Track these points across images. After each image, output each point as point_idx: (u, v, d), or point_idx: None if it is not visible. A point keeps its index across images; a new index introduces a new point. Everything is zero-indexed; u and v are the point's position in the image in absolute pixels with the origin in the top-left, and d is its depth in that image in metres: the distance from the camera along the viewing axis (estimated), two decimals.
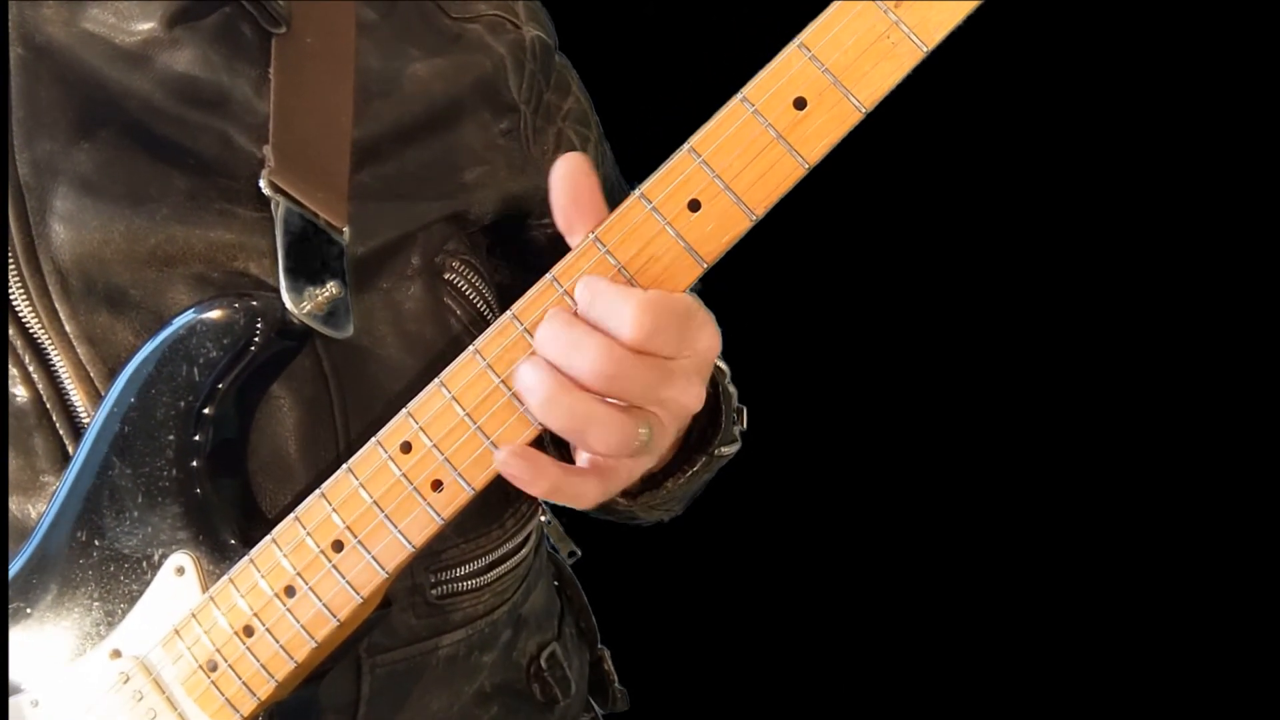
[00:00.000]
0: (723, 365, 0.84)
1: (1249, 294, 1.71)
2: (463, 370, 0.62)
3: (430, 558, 0.78)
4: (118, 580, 0.68)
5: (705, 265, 0.60)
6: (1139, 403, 1.77)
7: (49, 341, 0.69)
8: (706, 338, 0.60)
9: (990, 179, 1.73)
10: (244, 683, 0.66)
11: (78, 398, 0.70)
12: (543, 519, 0.92)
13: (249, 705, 0.67)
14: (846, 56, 0.57)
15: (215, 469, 0.69)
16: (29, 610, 0.68)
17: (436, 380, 0.63)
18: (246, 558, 0.67)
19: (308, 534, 0.65)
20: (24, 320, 0.70)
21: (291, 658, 0.66)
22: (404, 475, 0.63)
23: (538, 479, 0.59)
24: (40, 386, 0.70)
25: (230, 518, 0.69)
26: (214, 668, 0.67)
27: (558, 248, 0.62)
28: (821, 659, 1.86)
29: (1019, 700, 1.83)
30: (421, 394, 0.63)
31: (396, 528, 0.64)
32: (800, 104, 0.58)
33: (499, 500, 0.82)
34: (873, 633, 1.86)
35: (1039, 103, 1.68)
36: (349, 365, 0.73)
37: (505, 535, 0.82)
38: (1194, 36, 1.61)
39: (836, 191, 1.30)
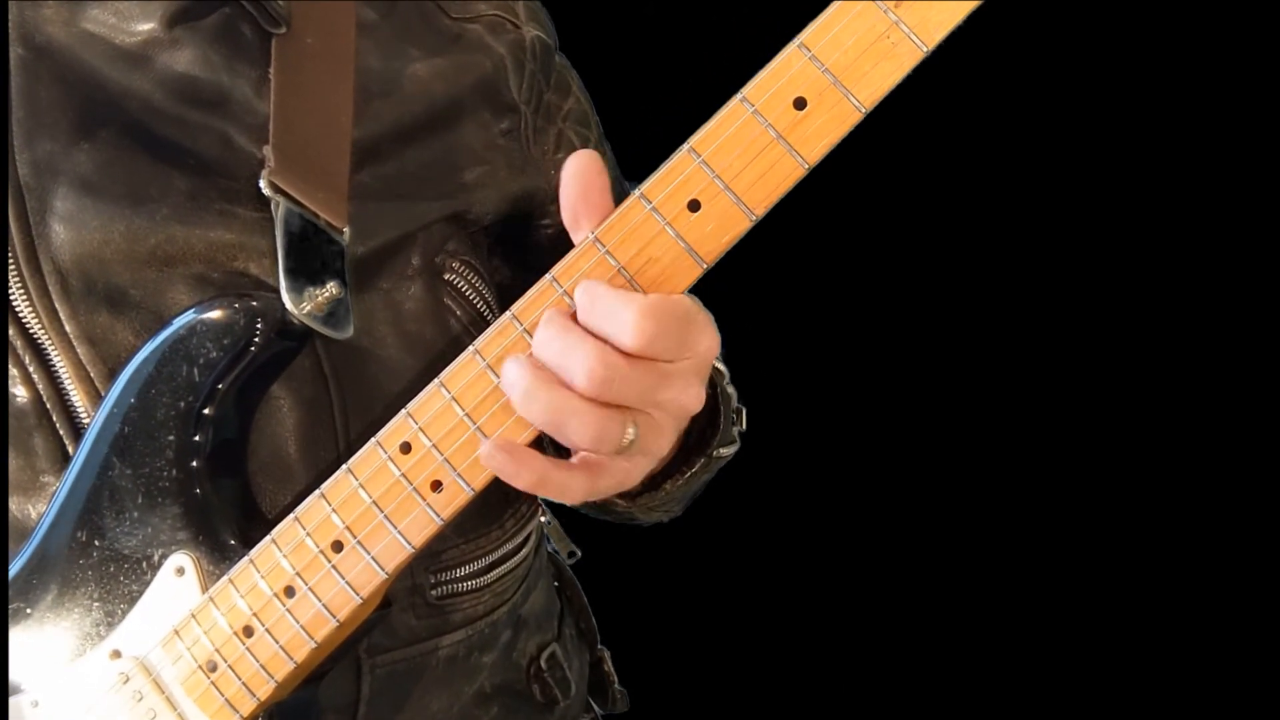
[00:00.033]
0: (721, 366, 0.84)
1: (1249, 294, 1.71)
2: (462, 370, 0.62)
3: (430, 558, 0.78)
4: (117, 580, 0.68)
5: (705, 265, 0.59)
6: (1139, 402, 1.77)
7: (49, 342, 0.69)
8: (706, 340, 0.60)
9: (990, 179, 1.73)
10: (243, 683, 0.66)
11: (78, 398, 0.70)
12: (543, 520, 0.92)
13: (249, 706, 0.67)
14: (846, 56, 0.57)
15: (215, 469, 0.69)
16: (29, 610, 0.68)
17: (436, 381, 0.63)
18: (246, 558, 0.67)
19: (307, 534, 0.65)
20: (24, 320, 0.69)
21: (291, 658, 0.66)
22: (403, 476, 0.63)
23: (521, 471, 0.59)
24: (40, 387, 0.70)
25: (230, 518, 0.69)
26: (214, 668, 0.67)
27: (558, 248, 0.62)
28: (821, 659, 1.86)
29: (1019, 700, 1.82)
30: (421, 394, 0.63)
31: (396, 528, 0.64)
32: (800, 104, 0.58)
33: (499, 501, 0.82)
34: (872, 632, 1.86)
35: (1039, 103, 1.68)
36: (349, 365, 0.73)
37: (505, 536, 0.82)
38: (1194, 36, 1.61)
39: (836, 192, 1.31)
